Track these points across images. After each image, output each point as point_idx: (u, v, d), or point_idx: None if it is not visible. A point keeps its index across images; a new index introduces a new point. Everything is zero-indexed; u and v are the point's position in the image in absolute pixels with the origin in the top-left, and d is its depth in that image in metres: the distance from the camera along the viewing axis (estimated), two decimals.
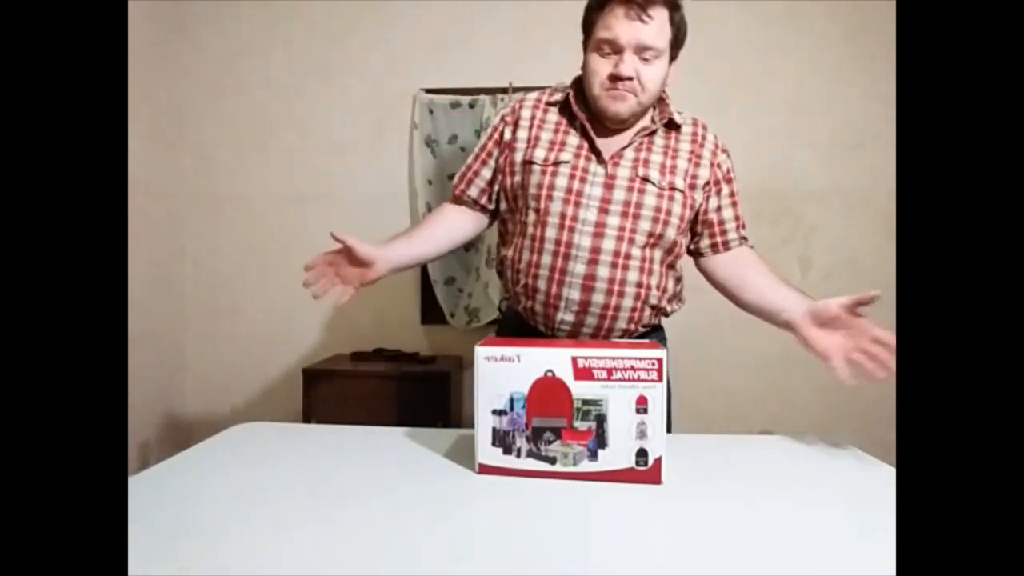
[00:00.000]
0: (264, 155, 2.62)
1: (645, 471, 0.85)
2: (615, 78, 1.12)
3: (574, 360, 0.86)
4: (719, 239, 1.25)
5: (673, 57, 1.17)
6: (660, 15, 1.11)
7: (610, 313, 1.16)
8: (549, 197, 1.16)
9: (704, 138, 1.24)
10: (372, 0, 2.57)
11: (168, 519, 0.73)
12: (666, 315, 1.27)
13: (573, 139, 1.19)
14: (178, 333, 2.63)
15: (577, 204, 1.15)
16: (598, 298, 1.15)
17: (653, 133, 1.20)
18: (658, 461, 0.85)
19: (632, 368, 0.85)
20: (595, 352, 0.86)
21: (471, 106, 2.47)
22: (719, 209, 1.24)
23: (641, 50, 1.11)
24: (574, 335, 1.19)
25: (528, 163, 1.19)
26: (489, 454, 0.88)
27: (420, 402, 2.24)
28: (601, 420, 0.85)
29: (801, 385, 2.54)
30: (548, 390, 0.86)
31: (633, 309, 1.17)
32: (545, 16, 2.49)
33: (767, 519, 0.75)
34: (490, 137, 1.27)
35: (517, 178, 1.21)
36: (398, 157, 2.57)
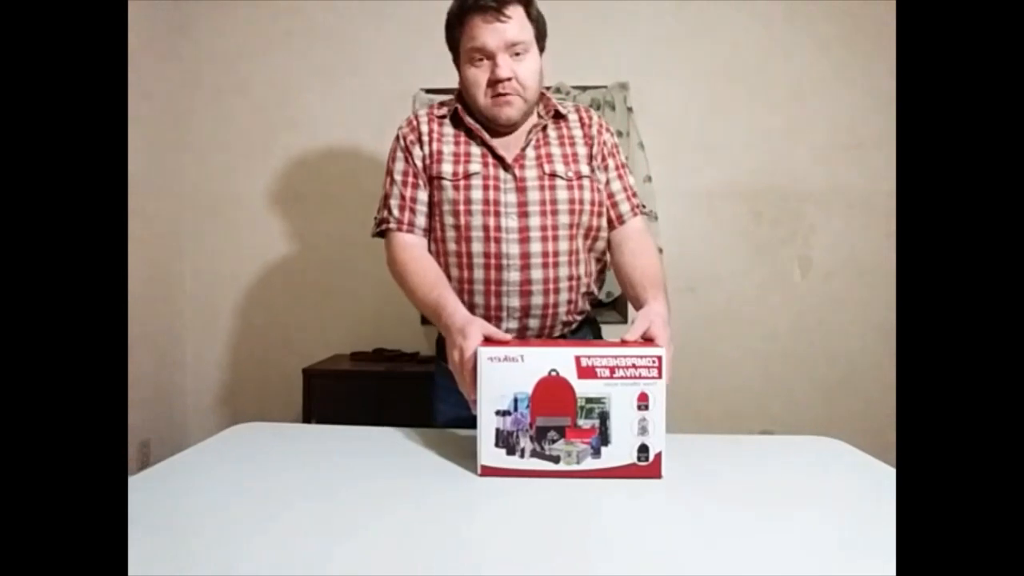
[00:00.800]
0: (264, 155, 2.62)
1: (646, 466, 0.86)
2: (495, 82, 1.14)
3: (577, 359, 0.86)
4: (611, 213, 1.25)
5: (541, 49, 1.20)
6: (517, 12, 1.14)
7: (550, 311, 1.17)
8: (468, 212, 1.16)
9: (591, 119, 1.26)
10: (372, 0, 2.57)
11: (168, 519, 0.73)
12: (594, 298, 1.27)
13: (475, 148, 1.20)
14: (178, 333, 2.63)
15: (497, 214, 1.15)
16: (537, 300, 1.16)
17: (545, 128, 1.22)
18: (658, 456, 0.87)
19: (634, 366, 0.86)
20: (597, 351, 0.87)
21: None
22: (607, 183, 1.25)
23: (510, 47, 1.13)
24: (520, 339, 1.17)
25: (438, 179, 1.19)
26: (492, 456, 0.88)
27: (420, 402, 2.23)
28: (604, 418, 0.86)
29: (801, 385, 2.54)
30: (552, 389, 0.87)
31: (569, 302, 1.19)
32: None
33: (767, 519, 0.75)
34: (406, 160, 1.22)
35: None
36: None
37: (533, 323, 1.18)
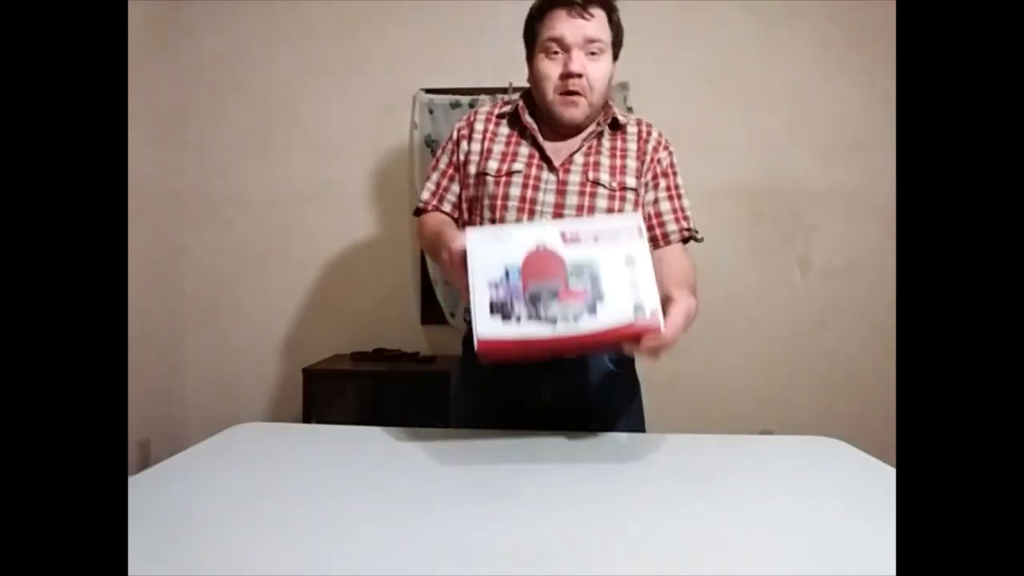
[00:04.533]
0: (264, 155, 2.62)
1: (645, 324, 0.85)
2: (566, 76, 1.14)
3: (562, 233, 0.89)
4: (658, 231, 1.24)
5: (615, 57, 1.20)
6: (600, 13, 1.15)
7: None
8: (504, 207, 1.17)
9: (649, 135, 1.26)
10: (372, 0, 2.57)
11: (168, 519, 0.73)
12: None
13: (524, 149, 1.21)
14: (178, 333, 2.63)
15: (532, 212, 1.16)
16: None
17: (600, 135, 1.22)
18: (655, 312, 0.86)
19: (615, 231, 0.90)
20: (580, 224, 0.92)
21: (471, 106, 2.47)
22: (655, 202, 1.25)
23: (587, 43, 1.14)
24: None
25: (482, 175, 1.21)
26: (489, 325, 0.85)
27: (420, 402, 2.24)
28: (595, 278, 0.87)
29: (801, 385, 2.54)
30: (541, 259, 0.88)
31: None
32: None
33: (767, 519, 0.75)
34: (452, 152, 1.27)
35: (471, 191, 1.24)
36: (398, 157, 2.57)
37: None
